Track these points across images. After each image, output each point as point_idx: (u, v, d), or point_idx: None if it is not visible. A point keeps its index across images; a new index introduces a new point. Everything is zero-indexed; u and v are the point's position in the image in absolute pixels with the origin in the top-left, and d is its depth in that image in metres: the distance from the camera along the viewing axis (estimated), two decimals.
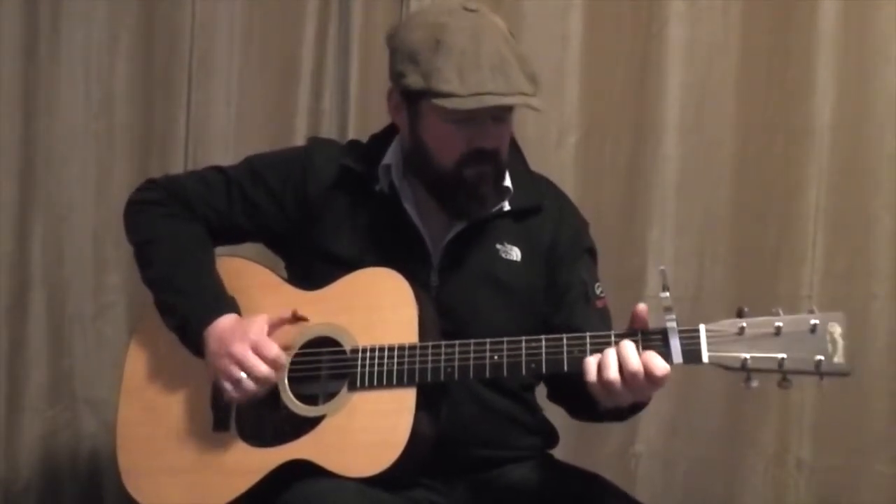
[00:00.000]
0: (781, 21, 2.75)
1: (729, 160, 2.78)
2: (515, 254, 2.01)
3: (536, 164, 2.16)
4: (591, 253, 2.10)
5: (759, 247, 2.77)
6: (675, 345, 1.72)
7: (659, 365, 1.71)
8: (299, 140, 2.79)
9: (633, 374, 1.71)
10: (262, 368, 1.89)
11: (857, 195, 2.74)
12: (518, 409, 2.04)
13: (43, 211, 2.85)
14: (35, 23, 2.83)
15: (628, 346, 1.73)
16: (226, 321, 1.95)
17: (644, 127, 2.79)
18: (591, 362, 1.74)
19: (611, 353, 1.73)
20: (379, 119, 2.73)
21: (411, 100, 1.93)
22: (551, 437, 2.12)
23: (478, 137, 1.90)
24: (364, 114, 2.81)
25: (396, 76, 1.95)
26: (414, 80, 1.89)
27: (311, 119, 2.85)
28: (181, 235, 2.05)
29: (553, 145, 2.78)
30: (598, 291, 2.03)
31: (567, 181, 2.71)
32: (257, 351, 1.89)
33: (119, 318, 2.87)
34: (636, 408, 1.85)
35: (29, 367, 2.85)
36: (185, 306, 1.98)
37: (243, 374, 1.89)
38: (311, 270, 2.02)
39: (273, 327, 1.94)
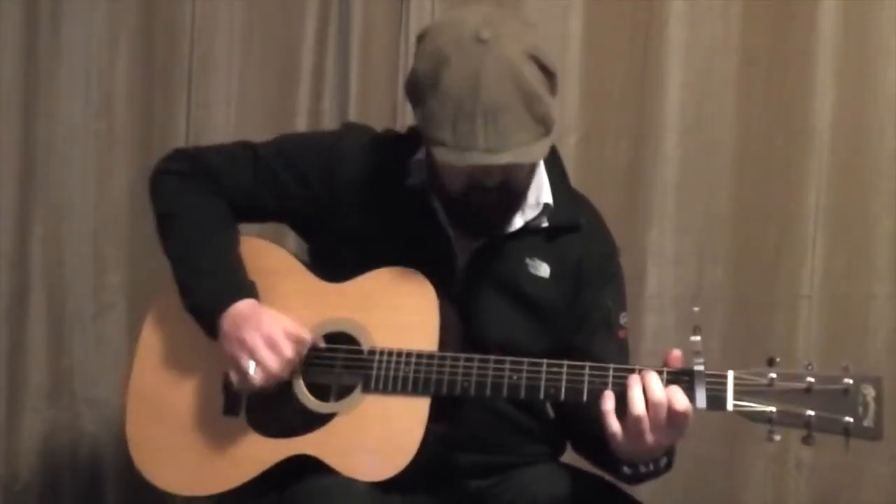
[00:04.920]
0: (781, 21, 2.75)
1: (729, 160, 2.78)
2: (544, 270, 1.97)
3: None
4: (620, 280, 2.05)
5: (759, 247, 2.77)
6: (701, 389, 1.69)
7: (680, 399, 1.67)
8: None
9: (657, 405, 1.68)
10: (274, 365, 1.86)
11: (857, 195, 2.74)
12: (527, 416, 2.01)
13: (43, 211, 2.85)
14: (35, 23, 2.83)
15: (653, 377, 1.70)
16: (243, 305, 1.90)
17: (644, 127, 2.79)
18: (611, 398, 1.71)
19: (636, 387, 1.70)
20: (379, 119, 2.74)
21: None
22: (559, 445, 2.08)
23: (479, 174, 1.85)
24: (364, 114, 2.80)
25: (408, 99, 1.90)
26: (417, 116, 1.85)
27: (311, 119, 2.84)
28: (204, 211, 2.01)
29: None
30: (622, 321, 1.99)
31: None
32: (271, 347, 1.86)
33: (119, 318, 2.87)
34: (644, 475, 1.81)
35: (29, 367, 2.85)
36: (203, 288, 1.94)
37: (252, 365, 1.85)
38: (334, 256, 1.98)
39: (285, 327, 1.88)
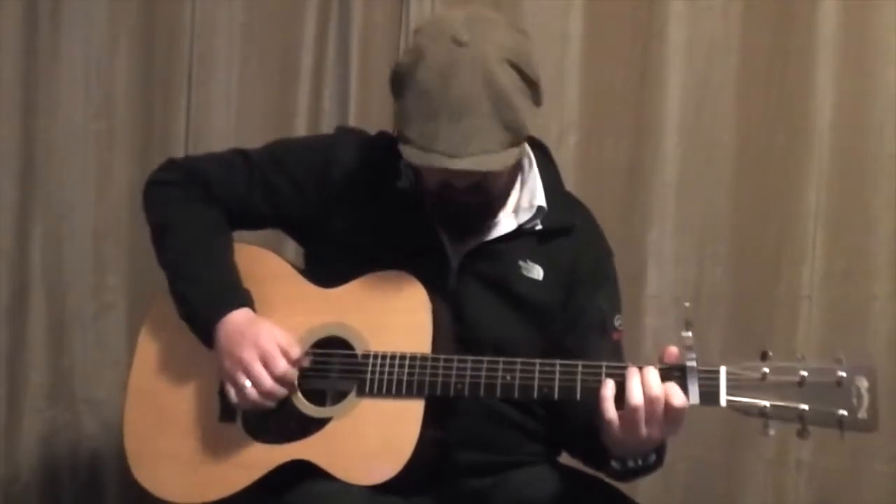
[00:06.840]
0: (781, 21, 2.74)
1: (729, 160, 2.78)
2: (537, 272, 1.97)
3: None
4: (614, 282, 2.05)
5: (759, 247, 2.77)
6: (694, 384, 1.69)
7: (677, 395, 1.68)
8: None
9: (654, 400, 1.68)
10: (269, 384, 1.86)
11: (857, 195, 2.74)
12: (523, 416, 2.00)
13: (43, 211, 2.85)
14: (35, 23, 2.83)
15: (651, 372, 1.70)
16: (238, 316, 1.91)
17: (644, 127, 2.78)
18: (611, 386, 1.71)
19: (635, 378, 1.70)
20: (379, 119, 2.73)
21: None
22: (555, 445, 2.07)
23: (450, 175, 1.84)
24: (364, 114, 2.80)
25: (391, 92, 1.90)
26: (394, 110, 1.86)
27: (311, 119, 2.84)
28: (198, 220, 2.01)
29: (553, 145, 2.76)
30: (616, 324, 1.99)
31: (567, 181, 2.68)
32: (266, 363, 1.86)
33: (119, 318, 2.87)
34: (632, 471, 1.82)
35: (29, 367, 2.85)
36: (198, 296, 1.94)
37: (248, 383, 1.86)
38: (328, 260, 1.98)
39: (280, 342, 1.89)
